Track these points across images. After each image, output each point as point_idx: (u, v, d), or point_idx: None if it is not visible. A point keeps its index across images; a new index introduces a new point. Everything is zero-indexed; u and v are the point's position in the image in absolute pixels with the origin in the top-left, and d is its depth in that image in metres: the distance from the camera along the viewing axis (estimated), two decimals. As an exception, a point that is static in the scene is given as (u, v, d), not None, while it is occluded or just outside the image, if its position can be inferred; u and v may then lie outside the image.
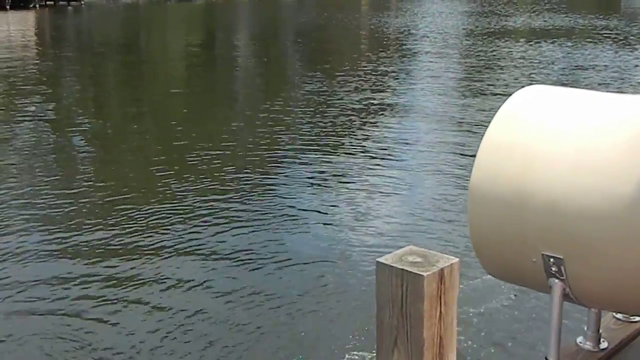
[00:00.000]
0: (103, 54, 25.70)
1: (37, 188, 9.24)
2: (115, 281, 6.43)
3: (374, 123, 13.01)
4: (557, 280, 2.44)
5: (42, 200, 8.71)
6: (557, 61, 20.12)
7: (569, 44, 24.31)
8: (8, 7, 47.46)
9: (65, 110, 15.19)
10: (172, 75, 21.61)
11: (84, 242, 7.36)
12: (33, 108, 14.82)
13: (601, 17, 35.71)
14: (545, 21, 34.46)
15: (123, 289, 6.26)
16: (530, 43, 25.02)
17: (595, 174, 2.32)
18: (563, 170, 2.38)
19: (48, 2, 52.66)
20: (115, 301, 6.04)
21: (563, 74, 17.76)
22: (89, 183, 9.54)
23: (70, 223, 7.91)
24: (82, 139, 12.39)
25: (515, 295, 5.78)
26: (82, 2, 55.56)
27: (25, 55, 25.19)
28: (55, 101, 16.14)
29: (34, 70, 21.21)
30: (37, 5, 50.69)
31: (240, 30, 37.86)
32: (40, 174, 10.07)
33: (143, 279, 6.46)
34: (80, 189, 9.17)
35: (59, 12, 48.65)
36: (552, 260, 2.40)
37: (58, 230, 7.71)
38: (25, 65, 21.96)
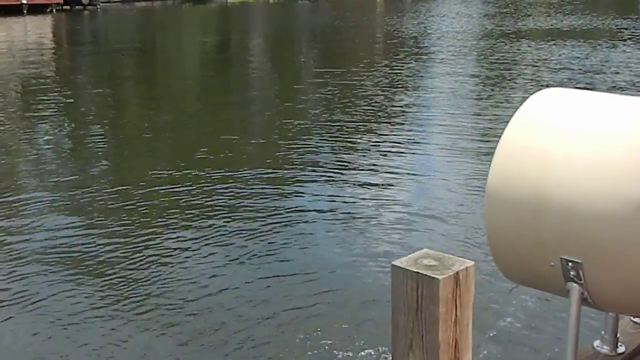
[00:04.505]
0: (120, 56, 25.86)
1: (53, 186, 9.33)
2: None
3: (390, 124, 12.98)
4: (575, 285, 2.42)
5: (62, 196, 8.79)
6: (576, 62, 19.99)
7: (588, 44, 24.15)
8: (25, 11, 47.87)
9: (84, 109, 15.27)
10: (188, 76, 21.74)
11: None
12: (51, 109, 14.91)
13: (619, 17, 35.50)
14: (563, 22, 34.29)
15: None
16: (549, 44, 24.89)
17: (614, 177, 2.30)
18: (581, 173, 2.36)
19: (64, 7, 53.03)
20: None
21: (582, 76, 17.63)
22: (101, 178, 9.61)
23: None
24: (100, 138, 12.51)
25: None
26: (98, 7, 55.92)
27: (43, 58, 25.37)
28: (73, 101, 16.23)
29: (53, 73, 21.37)
30: (54, 10, 51.07)
31: (256, 32, 37.95)
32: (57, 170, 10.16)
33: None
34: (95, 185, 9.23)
35: (75, 17, 48.98)
36: (570, 264, 2.38)
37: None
38: (44, 68, 22.12)
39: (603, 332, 2.93)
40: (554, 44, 24.71)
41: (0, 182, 9.77)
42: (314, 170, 9.98)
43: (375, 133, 12.25)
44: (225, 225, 7.84)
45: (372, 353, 5.13)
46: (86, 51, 28.62)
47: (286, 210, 8.34)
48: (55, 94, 17.17)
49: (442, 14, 43.39)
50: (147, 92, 18.43)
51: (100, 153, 11.56)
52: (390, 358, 2.33)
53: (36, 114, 14.57)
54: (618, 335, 2.92)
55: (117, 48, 28.70)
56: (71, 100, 16.51)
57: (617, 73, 17.95)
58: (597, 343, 2.96)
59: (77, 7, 54.28)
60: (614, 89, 15.41)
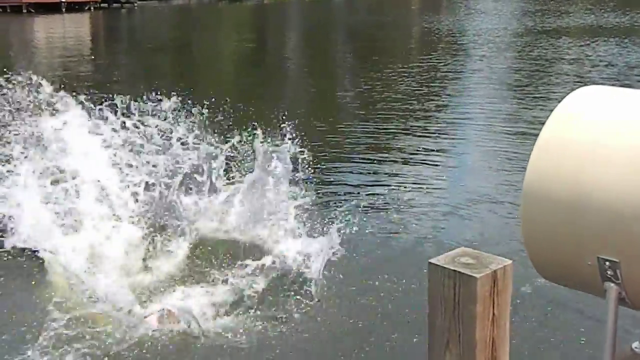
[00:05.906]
0: (158, 53, 26.11)
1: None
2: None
3: (427, 125, 12.91)
4: (612, 284, 2.39)
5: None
6: (620, 59, 19.67)
7: (631, 41, 23.77)
8: (64, 9, 48.60)
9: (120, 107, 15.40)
10: (225, 74, 21.88)
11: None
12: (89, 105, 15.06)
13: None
14: (605, 19, 33.80)
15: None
16: (591, 40, 24.55)
17: (653, 176, 2.27)
18: (619, 172, 2.33)
19: (102, 5, 53.76)
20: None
21: (625, 72, 17.36)
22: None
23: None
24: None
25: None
26: (135, 5, 56.54)
27: (82, 54, 25.70)
28: (112, 97, 16.36)
29: (91, 69, 21.62)
30: (92, 8, 51.76)
31: (294, 29, 38.04)
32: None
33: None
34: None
35: (112, 14, 49.57)
36: (607, 263, 2.35)
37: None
38: (82, 65, 22.40)
39: (642, 333, 2.90)
40: (596, 41, 24.37)
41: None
42: (354, 160, 10.05)
43: (415, 126, 12.25)
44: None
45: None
46: (124, 48, 28.95)
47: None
48: (90, 91, 17.36)
49: (480, 10, 43.05)
50: (180, 88, 18.48)
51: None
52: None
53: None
54: (657, 336, 2.88)
55: (155, 45, 28.97)
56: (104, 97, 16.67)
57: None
58: (635, 345, 2.92)
59: (114, 4, 55.00)
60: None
